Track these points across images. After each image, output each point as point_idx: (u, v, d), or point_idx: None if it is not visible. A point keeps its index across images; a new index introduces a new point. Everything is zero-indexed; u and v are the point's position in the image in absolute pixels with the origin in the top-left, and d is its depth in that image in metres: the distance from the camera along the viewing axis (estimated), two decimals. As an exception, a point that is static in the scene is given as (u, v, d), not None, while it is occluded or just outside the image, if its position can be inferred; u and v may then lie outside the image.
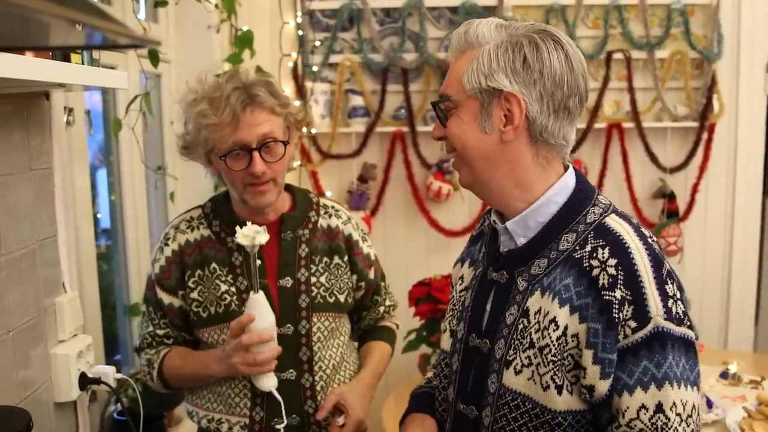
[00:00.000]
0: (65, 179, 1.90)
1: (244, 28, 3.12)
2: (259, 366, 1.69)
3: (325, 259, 1.88)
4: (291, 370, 1.82)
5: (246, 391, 1.81)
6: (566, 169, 1.37)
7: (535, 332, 1.28)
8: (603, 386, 1.22)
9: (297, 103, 1.92)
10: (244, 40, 3.10)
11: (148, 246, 2.78)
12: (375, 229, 3.72)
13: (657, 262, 1.25)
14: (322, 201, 1.97)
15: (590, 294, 1.23)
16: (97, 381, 1.87)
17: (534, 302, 1.30)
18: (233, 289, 1.81)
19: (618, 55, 3.62)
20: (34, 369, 1.70)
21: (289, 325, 1.82)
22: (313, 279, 1.85)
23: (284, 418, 1.77)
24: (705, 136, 3.69)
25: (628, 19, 3.62)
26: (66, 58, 1.51)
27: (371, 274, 1.98)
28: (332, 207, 1.96)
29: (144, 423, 1.99)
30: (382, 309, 2.06)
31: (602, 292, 1.22)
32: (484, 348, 1.37)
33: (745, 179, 3.75)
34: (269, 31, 3.51)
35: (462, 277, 1.52)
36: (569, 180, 1.35)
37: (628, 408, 1.21)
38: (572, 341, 1.24)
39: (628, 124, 3.67)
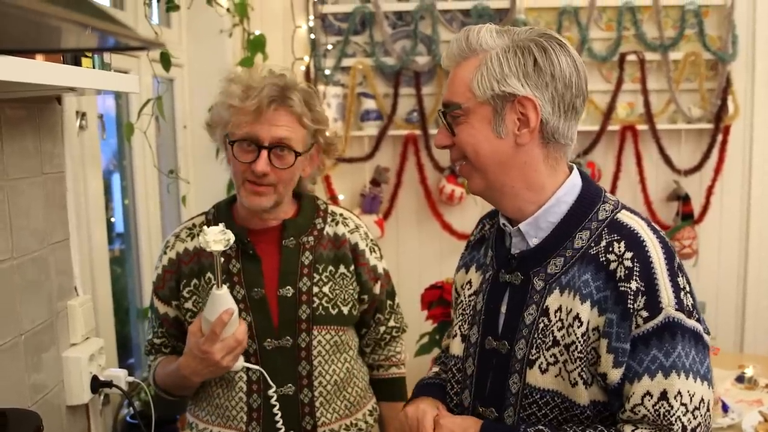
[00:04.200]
0: (78, 183, 1.91)
1: (257, 32, 3.13)
2: (241, 344, 1.63)
3: (330, 267, 1.80)
4: (289, 385, 1.76)
5: (242, 404, 1.76)
6: (571, 169, 1.40)
7: (558, 330, 1.30)
8: (615, 374, 1.25)
9: (334, 133, 1.85)
10: (256, 44, 3.11)
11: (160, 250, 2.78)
12: (388, 232, 3.71)
13: (670, 255, 1.29)
14: (331, 208, 1.89)
15: (608, 287, 1.27)
16: (109, 384, 1.88)
17: (553, 301, 1.32)
18: None
19: (631, 57, 3.60)
20: (46, 372, 1.70)
21: (288, 337, 1.75)
22: (316, 289, 1.77)
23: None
24: (720, 137, 3.65)
25: (641, 21, 3.60)
26: (77, 62, 1.51)
27: (376, 289, 1.87)
28: (340, 214, 1.89)
29: (156, 426, 1.98)
30: (383, 329, 1.92)
31: (619, 284, 1.26)
32: (503, 349, 1.38)
33: (760, 181, 3.72)
34: (281, 35, 3.52)
35: (470, 282, 1.52)
36: (576, 179, 1.38)
37: (633, 394, 1.25)
38: (594, 335, 1.27)
39: (642, 126, 3.64)
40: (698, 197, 3.72)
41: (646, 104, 3.61)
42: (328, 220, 1.86)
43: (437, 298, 3.03)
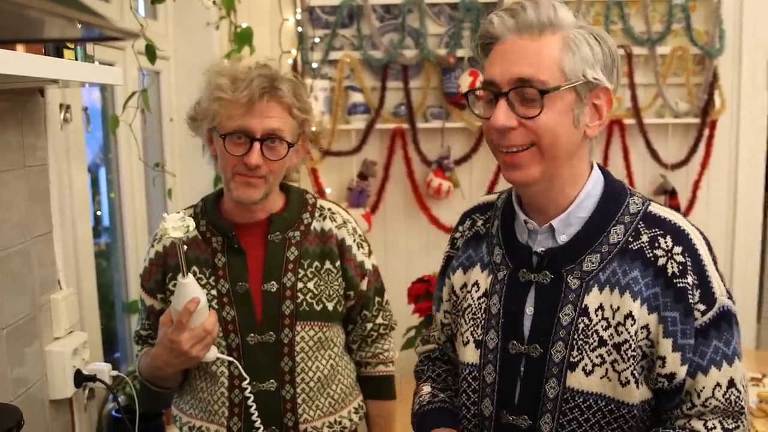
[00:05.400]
0: (62, 176, 1.90)
1: (244, 25, 3.12)
2: (211, 334, 1.60)
3: (316, 263, 1.78)
4: (271, 381, 1.74)
5: (224, 399, 1.75)
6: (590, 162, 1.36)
7: (604, 330, 1.25)
8: (683, 371, 1.23)
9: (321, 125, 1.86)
10: (243, 37, 3.09)
11: (146, 243, 2.77)
12: (375, 226, 3.71)
13: (709, 245, 1.29)
14: (319, 202, 1.87)
15: (658, 283, 1.24)
16: (93, 378, 1.87)
17: (593, 299, 1.27)
18: (213, 292, 1.74)
19: (619, 51, 3.59)
20: (29, 366, 1.69)
21: (271, 332, 1.74)
22: (300, 284, 1.75)
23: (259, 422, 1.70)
24: (706, 132, 3.68)
25: (629, 15, 3.61)
26: (59, 54, 1.50)
27: (363, 285, 1.85)
28: (329, 209, 1.86)
29: (142, 420, 1.98)
30: (369, 326, 1.89)
31: (674, 281, 1.23)
32: (534, 353, 1.31)
33: (747, 175, 3.74)
34: (269, 28, 3.51)
35: (476, 284, 1.42)
36: (598, 173, 1.34)
37: (704, 388, 1.24)
38: (642, 333, 1.24)
39: (629, 121, 3.65)
40: (685, 191, 3.73)
41: (633, 98, 3.62)
42: (316, 214, 1.84)
43: (424, 292, 3.03)
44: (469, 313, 1.42)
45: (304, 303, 1.75)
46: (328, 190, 3.69)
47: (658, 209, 1.31)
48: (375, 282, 1.90)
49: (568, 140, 1.25)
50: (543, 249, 1.32)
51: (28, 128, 1.71)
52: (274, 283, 1.75)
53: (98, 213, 2.77)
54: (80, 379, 1.84)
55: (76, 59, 1.57)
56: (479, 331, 1.39)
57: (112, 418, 2.22)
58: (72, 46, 1.53)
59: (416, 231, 3.78)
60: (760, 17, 3.64)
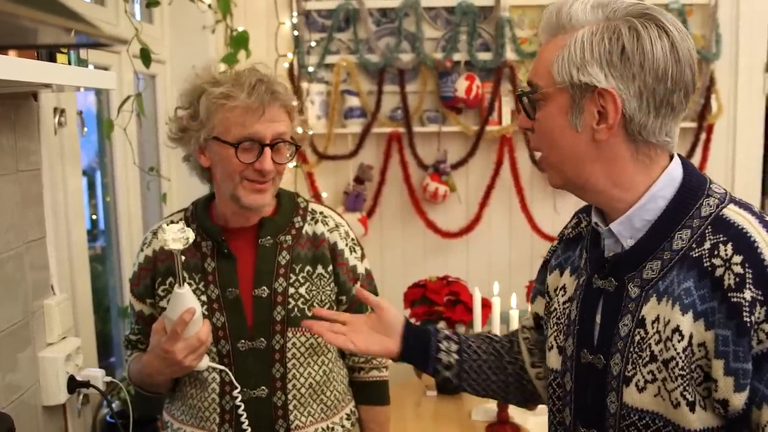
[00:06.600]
0: (56, 181, 1.89)
1: (240, 29, 3.11)
2: (205, 344, 1.59)
3: (308, 268, 1.76)
4: (262, 387, 1.72)
5: (215, 406, 1.73)
6: (671, 158, 1.23)
7: (656, 344, 1.15)
8: (738, 400, 1.09)
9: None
10: (239, 41, 3.09)
11: (141, 247, 2.76)
12: (371, 230, 3.70)
13: None
14: (311, 206, 1.85)
15: (715, 297, 1.10)
16: (86, 384, 1.86)
17: (650, 310, 1.17)
18: (204, 297, 1.72)
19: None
20: (21, 372, 1.68)
21: (262, 338, 1.72)
22: (292, 290, 1.73)
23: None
24: (703, 136, 3.67)
25: (625, 19, 3.60)
26: (52, 59, 1.49)
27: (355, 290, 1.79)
28: (320, 213, 1.84)
29: (136, 426, 1.97)
30: None
31: (729, 294, 1.09)
32: (599, 364, 1.24)
33: (744, 180, 3.74)
34: (265, 31, 3.50)
35: (564, 287, 1.37)
36: (675, 171, 1.21)
37: (767, 424, 1.08)
38: (699, 351, 1.11)
39: (626, 125, 3.64)
40: (681, 196, 3.72)
41: (630, 103, 3.61)
42: (308, 218, 1.81)
43: (420, 297, 3.02)
44: (554, 317, 1.38)
45: (296, 309, 1.73)
46: (324, 194, 3.68)
47: (733, 212, 1.16)
48: (368, 286, 1.87)
49: (567, 145, 1.19)
50: (612, 254, 1.25)
51: (21, 132, 1.70)
52: (265, 288, 1.73)
53: (94, 217, 2.77)
54: (74, 385, 1.83)
55: (69, 64, 1.56)
56: (561, 337, 1.34)
57: (107, 423, 2.21)
58: (65, 50, 1.53)
59: (413, 235, 3.77)
60: (756, 21, 3.64)
